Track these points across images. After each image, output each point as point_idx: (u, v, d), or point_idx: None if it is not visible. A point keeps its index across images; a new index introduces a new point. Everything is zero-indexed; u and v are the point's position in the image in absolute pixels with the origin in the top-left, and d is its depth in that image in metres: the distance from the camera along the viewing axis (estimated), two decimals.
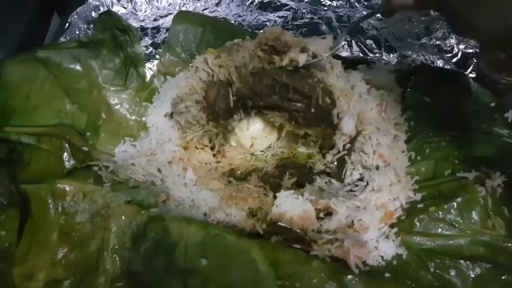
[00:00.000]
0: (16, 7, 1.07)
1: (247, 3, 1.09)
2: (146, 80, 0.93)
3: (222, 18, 1.07)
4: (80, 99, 0.85)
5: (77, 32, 1.04)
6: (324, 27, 1.03)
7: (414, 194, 0.71)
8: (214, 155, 0.85)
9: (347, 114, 0.74)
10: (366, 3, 1.06)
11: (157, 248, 0.64)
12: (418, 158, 0.75)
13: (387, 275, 0.63)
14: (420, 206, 0.69)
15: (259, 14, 1.07)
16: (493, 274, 0.62)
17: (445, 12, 0.57)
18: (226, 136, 0.84)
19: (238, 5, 1.09)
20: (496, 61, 0.85)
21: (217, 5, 1.10)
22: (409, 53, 0.97)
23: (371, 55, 0.97)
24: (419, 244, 0.66)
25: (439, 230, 0.66)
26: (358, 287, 0.60)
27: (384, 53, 0.97)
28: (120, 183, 0.75)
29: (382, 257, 0.66)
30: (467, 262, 0.63)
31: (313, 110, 0.74)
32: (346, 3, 1.06)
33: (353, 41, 0.99)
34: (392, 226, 0.69)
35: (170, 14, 1.08)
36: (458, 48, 0.95)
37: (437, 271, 0.63)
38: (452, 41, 0.96)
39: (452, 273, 0.63)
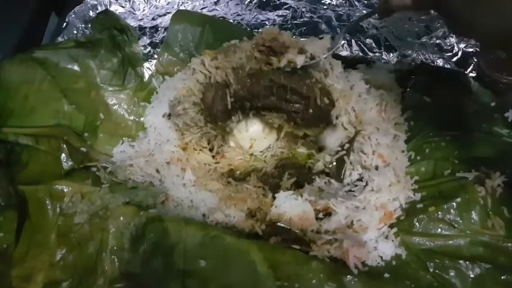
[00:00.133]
0: (15, 7, 1.06)
1: (246, 2, 1.08)
2: (144, 80, 0.93)
3: (221, 17, 1.06)
4: (78, 100, 0.84)
5: (75, 32, 1.04)
6: (323, 26, 1.02)
7: (414, 194, 0.71)
8: (213, 156, 0.85)
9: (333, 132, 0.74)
10: (365, 2, 1.06)
11: (156, 249, 0.64)
12: (418, 158, 0.75)
13: (386, 275, 0.63)
14: (420, 206, 0.69)
15: (258, 13, 1.06)
16: (493, 274, 0.62)
17: (444, 13, 0.56)
18: (224, 138, 0.83)
19: (237, 4, 1.09)
20: (496, 60, 0.84)
21: (215, 3, 1.10)
22: (409, 52, 0.96)
23: (371, 54, 0.97)
24: (418, 244, 0.66)
25: (439, 230, 0.66)
26: None
27: (383, 52, 0.97)
28: (119, 184, 0.74)
29: (381, 257, 0.65)
30: (467, 262, 0.63)
31: (311, 110, 0.74)
32: (345, 2, 1.06)
33: (353, 40, 0.99)
34: (391, 226, 0.69)
35: (168, 13, 1.07)
36: (458, 47, 0.95)
37: (437, 271, 0.63)
38: (453, 40, 0.96)
39: (452, 273, 0.63)
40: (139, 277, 0.64)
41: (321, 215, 0.71)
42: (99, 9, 1.07)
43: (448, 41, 0.96)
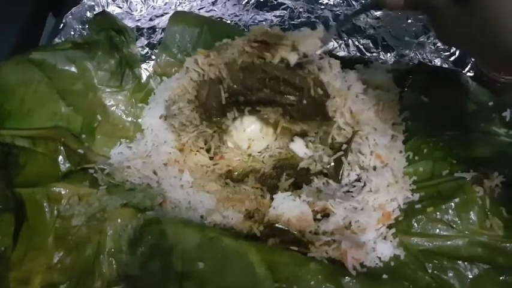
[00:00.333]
0: (12, 8, 1.06)
1: (244, 3, 1.08)
2: (142, 81, 0.92)
3: (218, 17, 1.06)
4: (75, 101, 0.84)
5: (72, 33, 1.03)
6: (321, 27, 1.02)
7: (412, 195, 0.71)
8: (210, 157, 0.84)
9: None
10: (363, 1, 1.05)
11: (154, 251, 0.64)
12: (416, 158, 0.75)
13: (385, 276, 0.63)
14: (418, 206, 0.69)
15: (256, 14, 1.06)
16: (491, 275, 0.62)
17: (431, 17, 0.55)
18: (221, 137, 0.83)
19: (235, 4, 1.08)
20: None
21: (213, 4, 1.09)
22: (407, 52, 0.96)
23: (368, 54, 0.97)
24: (417, 245, 0.66)
25: (437, 230, 0.66)
26: None
27: (381, 52, 0.97)
28: (116, 186, 0.74)
29: (379, 258, 0.65)
30: (465, 263, 0.63)
31: (305, 101, 0.73)
32: (343, 2, 1.05)
33: (350, 40, 0.98)
34: (390, 227, 0.69)
35: (166, 13, 1.07)
36: None
37: (435, 272, 0.63)
38: None
39: (450, 274, 0.63)
40: (137, 279, 0.63)
41: (319, 216, 0.71)
42: (97, 10, 1.07)
43: None
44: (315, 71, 0.73)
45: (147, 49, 1.00)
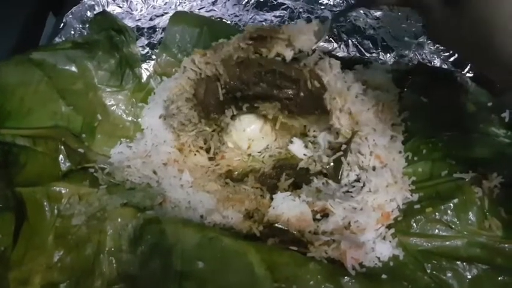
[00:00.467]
0: (12, 7, 1.06)
1: (244, 3, 1.08)
2: (142, 81, 0.93)
3: (218, 17, 1.06)
4: (76, 101, 0.84)
5: (72, 32, 1.03)
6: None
7: (411, 195, 0.71)
8: (212, 157, 0.84)
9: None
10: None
11: (154, 250, 0.64)
12: (415, 158, 0.75)
13: (384, 276, 0.64)
14: (417, 206, 0.69)
15: (256, 14, 1.06)
16: (490, 275, 0.62)
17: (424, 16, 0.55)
18: (221, 137, 0.83)
19: (235, 5, 1.08)
20: None
21: (213, 4, 1.09)
22: (406, 52, 0.96)
23: (368, 55, 0.97)
24: (416, 245, 0.66)
25: (436, 231, 0.66)
26: None
27: (380, 53, 0.97)
28: (116, 185, 0.74)
29: (378, 258, 0.66)
30: (464, 263, 0.63)
31: (302, 94, 0.73)
32: (343, 2, 1.05)
33: (349, 40, 0.98)
34: (389, 227, 0.69)
35: (166, 13, 1.07)
36: None
37: (434, 272, 0.64)
38: None
39: (449, 274, 0.63)
40: (137, 279, 0.64)
41: (318, 216, 0.71)
42: (97, 9, 1.06)
43: None
44: (310, 64, 0.74)
45: (147, 49, 1.00)
